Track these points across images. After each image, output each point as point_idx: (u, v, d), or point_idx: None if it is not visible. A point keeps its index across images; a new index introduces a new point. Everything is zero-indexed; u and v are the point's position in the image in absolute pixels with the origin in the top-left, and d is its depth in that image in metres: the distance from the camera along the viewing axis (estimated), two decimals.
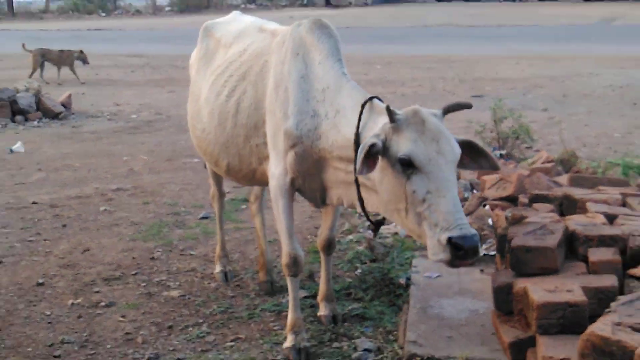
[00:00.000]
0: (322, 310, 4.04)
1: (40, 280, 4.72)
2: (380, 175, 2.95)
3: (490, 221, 4.77)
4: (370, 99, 3.23)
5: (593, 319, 2.63)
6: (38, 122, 10.99)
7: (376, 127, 3.03)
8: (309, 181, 3.54)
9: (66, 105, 11.70)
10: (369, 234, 5.21)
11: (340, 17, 29.68)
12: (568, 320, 2.74)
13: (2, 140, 9.65)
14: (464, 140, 3.04)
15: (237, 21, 4.46)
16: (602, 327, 2.47)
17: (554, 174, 5.30)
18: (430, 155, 2.79)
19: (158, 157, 8.52)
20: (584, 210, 3.70)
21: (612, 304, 2.67)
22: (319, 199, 3.61)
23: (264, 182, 3.88)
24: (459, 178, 5.95)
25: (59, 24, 35.03)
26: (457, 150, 2.88)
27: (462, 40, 22.26)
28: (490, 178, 4.95)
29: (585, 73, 14.51)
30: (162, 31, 29.68)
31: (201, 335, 3.92)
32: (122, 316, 4.20)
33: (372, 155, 2.89)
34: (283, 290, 4.30)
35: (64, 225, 5.90)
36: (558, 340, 2.72)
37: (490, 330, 3.54)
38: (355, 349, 3.68)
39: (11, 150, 8.88)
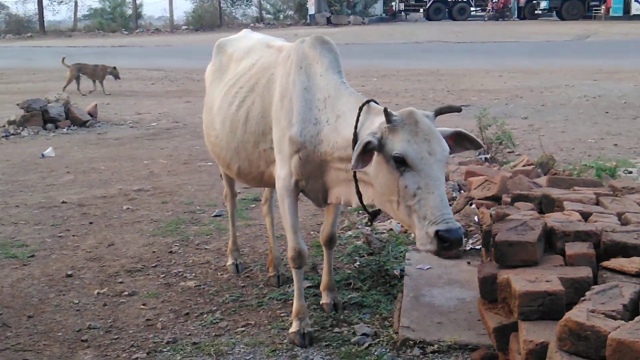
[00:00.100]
0: (324, 299, 4.04)
1: (69, 272, 4.72)
2: (376, 169, 2.96)
3: (476, 218, 4.77)
4: (368, 102, 3.24)
5: (570, 306, 2.63)
6: (67, 129, 10.99)
7: (373, 126, 3.04)
8: (311, 182, 3.54)
9: (92, 114, 11.70)
10: (367, 230, 5.22)
11: (340, 35, 29.67)
12: (547, 308, 2.73)
13: (35, 146, 9.66)
14: (454, 132, 3.09)
15: (247, 38, 4.46)
16: (578, 313, 2.47)
17: (534, 175, 5.29)
18: (422, 155, 2.80)
19: (175, 160, 8.52)
20: (561, 208, 3.69)
21: (587, 293, 2.67)
22: (321, 199, 3.61)
23: (271, 184, 3.88)
24: (447, 179, 5.95)
25: (86, 41, 35.05)
26: (447, 150, 2.91)
27: (450, 55, 22.23)
28: (476, 179, 4.94)
29: (562, 85, 14.49)
30: (179, 47, 29.68)
31: (215, 321, 3.92)
32: (143, 304, 4.20)
33: (367, 152, 2.92)
34: (289, 281, 4.30)
35: (91, 223, 5.90)
36: (538, 325, 2.71)
37: (476, 316, 3.54)
38: (354, 333, 3.68)
39: (43, 155, 8.88)
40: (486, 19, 41.78)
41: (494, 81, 15.61)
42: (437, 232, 2.73)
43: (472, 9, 42.85)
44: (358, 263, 4.69)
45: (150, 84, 17.39)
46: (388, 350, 3.47)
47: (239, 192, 5.45)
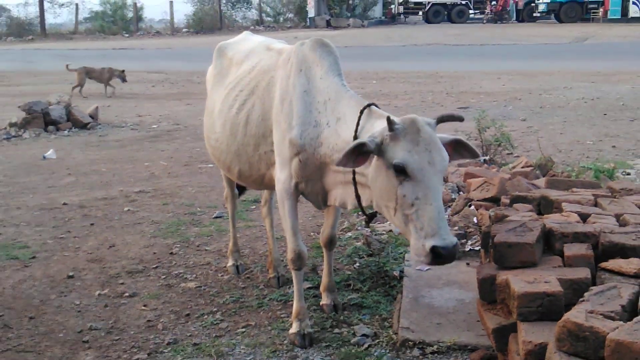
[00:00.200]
0: (324, 300, 4.04)
1: (71, 274, 4.72)
2: (375, 174, 2.95)
3: (475, 219, 4.77)
4: (369, 105, 3.23)
5: (568, 307, 2.63)
6: (68, 131, 10.99)
7: (373, 130, 3.03)
8: (311, 185, 3.54)
9: (93, 116, 11.69)
10: (367, 231, 5.21)
11: (340, 37, 29.68)
12: (546, 309, 2.74)
13: (36, 148, 9.66)
14: (453, 139, 3.06)
15: (247, 41, 4.46)
16: (576, 314, 2.47)
17: (533, 177, 5.29)
18: (422, 165, 2.78)
19: (176, 162, 8.52)
20: (559, 209, 3.69)
21: (586, 294, 2.67)
22: (321, 201, 3.60)
23: (272, 186, 3.88)
24: (446, 181, 5.95)
25: (87, 43, 35.02)
26: (446, 159, 2.89)
27: (448, 57, 22.24)
28: (475, 181, 4.94)
29: (560, 87, 14.49)
30: (180, 50, 29.68)
31: (215, 322, 3.92)
32: (144, 305, 4.20)
33: (362, 154, 2.91)
34: (289, 282, 4.30)
35: (92, 224, 5.90)
36: (537, 326, 2.71)
37: (475, 317, 3.54)
38: (354, 334, 3.68)
39: (44, 157, 8.88)
40: (485, 21, 41.78)
41: (493, 83, 15.62)
42: (433, 247, 2.71)
43: (470, 11, 42.84)
44: (358, 264, 4.69)
45: (151, 87, 17.38)
46: (388, 351, 3.47)
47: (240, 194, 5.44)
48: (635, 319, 2.37)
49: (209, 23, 42.55)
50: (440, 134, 2.97)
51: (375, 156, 2.92)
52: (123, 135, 10.82)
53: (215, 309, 4.11)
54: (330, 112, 3.39)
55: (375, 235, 5.15)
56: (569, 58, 20.53)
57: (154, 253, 5.13)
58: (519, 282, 2.86)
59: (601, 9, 36.86)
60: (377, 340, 3.59)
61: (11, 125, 10.85)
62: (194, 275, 4.68)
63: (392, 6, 46.97)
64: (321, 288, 4.09)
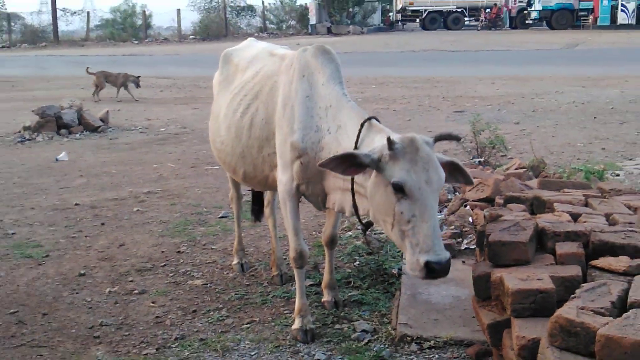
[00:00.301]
0: (326, 297, 4.04)
1: (82, 271, 4.72)
2: (374, 189, 2.93)
3: (470, 219, 4.76)
4: (369, 119, 3.22)
5: (560, 303, 2.62)
6: (80, 135, 11.00)
7: (373, 144, 3.03)
8: (312, 187, 3.53)
9: (104, 120, 11.70)
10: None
11: (340, 44, 29.66)
12: (539, 305, 2.73)
13: (49, 150, 9.66)
14: (449, 161, 3.03)
15: (251, 47, 4.46)
16: (568, 310, 2.46)
17: (526, 178, 5.28)
18: (419, 185, 2.76)
19: (183, 164, 8.52)
20: (551, 209, 3.68)
21: (577, 291, 2.66)
22: (321, 202, 3.60)
23: (275, 187, 3.86)
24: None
25: (98, 50, 35.06)
26: (443, 178, 2.86)
27: (444, 63, 22.23)
28: None
29: (552, 91, 14.48)
30: (187, 56, 29.68)
31: (221, 318, 3.92)
32: (153, 302, 4.20)
33: (354, 165, 2.90)
34: (291, 279, 4.30)
35: (103, 224, 5.90)
36: (530, 322, 2.71)
37: (471, 313, 3.53)
38: (354, 330, 3.68)
39: (57, 159, 8.89)
40: (479, 28, 41.79)
41: (487, 88, 15.60)
42: (427, 262, 2.71)
43: (466, 19, 42.87)
44: (358, 262, 4.69)
45: (159, 92, 17.39)
46: (386, 346, 3.46)
47: (244, 195, 5.44)
48: (624, 315, 2.37)
49: (215, 30, 42.61)
50: (437, 153, 2.94)
51: (375, 172, 2.90)
52: (132, 138, 10.83)
53: (220, 306, 4.10)
54: (332, 119, 3.38)
55: (375, 234, 5.14)
56: (560, 63, 20.51)
57: (162, 252, 5.12)
58: (513, 279, 2.85)
59: (591, 16, 36.86)
60: (377, 336, 3.58)
61: (25, 128, 10.86)
62: (201, 273, 4.67)
63: (391, 14, 47.07)
64: (322, 285, 4.09)
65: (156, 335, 3.75)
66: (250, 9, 46.63)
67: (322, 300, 4.05)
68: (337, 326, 3.77)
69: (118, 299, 4.27)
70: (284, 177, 3.57)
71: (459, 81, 17.05)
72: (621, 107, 12.02)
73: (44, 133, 10.76)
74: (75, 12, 45.95)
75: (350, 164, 2.91)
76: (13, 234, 5.63)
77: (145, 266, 4.82)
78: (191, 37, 42.87)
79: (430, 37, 35.55)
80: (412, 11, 43.14)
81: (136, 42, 41.35)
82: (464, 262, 4.38)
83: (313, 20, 42.93)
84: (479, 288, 3.19)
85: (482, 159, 7.17)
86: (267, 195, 4.72)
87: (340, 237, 5.13)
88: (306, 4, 45.23)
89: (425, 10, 42.22)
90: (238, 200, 4.83)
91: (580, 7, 37.34)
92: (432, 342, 3.41)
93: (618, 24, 35.76)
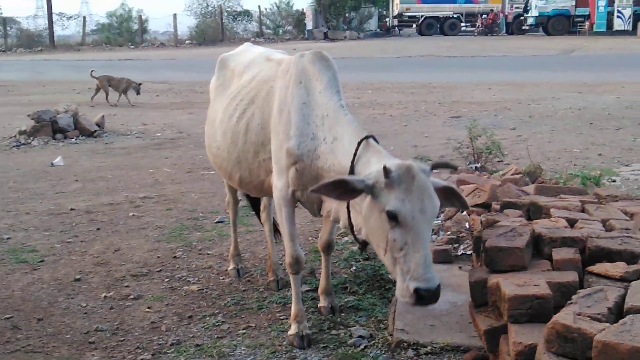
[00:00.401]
0: (322, 302, 4.03)
1: (77, 276, 4.71)
2: (368, 214, 2.92)
3: (467, 225, 4.77)
4: (367, 137, 3.19)
5: (557, 309, 2.63)
6: (75, 139, 10.98)
7: (368, 164, 3.03)
8: (307, 194, 3.52)
9: (100, 124, 11.69)
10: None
11: (337, 49, 29.70)
12: (535, 311, 2.74)
13: (44, 155, 9.65)
14: (445, 186, 3.03)
15: (247, 52, 4.46)
16: (564, 316, 2.47)
17: (522, 184, 5.30)
18: (413, 215, 2.75)
19: (179, 169, 8.51)
20: (548, 215, 3.70)
21: (574, 297, 2.67)
22: (316, 210, 3.59)
23: (271, 193, 3.85)
24: None
25: (94, 54, 35.04)
26: (437, 207, 2.85)
27: (441, 69, 22.28)
28: (467, 187, 4.94)
29: (548, 97, 14.52)
30: (183, 61, 29.68)
31: (217, 324, 3.91)
32: (148, 307, 4.19)
33: (348, 191, 2.89)
34: (288, 285, 4.28)
35: (98, 229, 5.89)
36: (527, 328, 2.71)
37: (467, 319, 3.53)
38: (350, 335, 3.67)
39: (52, 164, 8.87)
40: (476, 34, 41.92)
41: (484, 94, 15.64)
42: (416, 289, 2.71)
43: (462, 24, 43.01)
44: (354, 268, 4.69)
45: (155, 96, 17.39)
46: (383, 352, 3.46)
47: (241, 200, 5.43)
48: (621, 321, 2.38)
49: (211, 35, 42.64)
50: (433, 178, 2.93)
51: (370, 197, 2.89)
52: (128, 143, 10.82)
53: (216, 311, 4.10)
54: (327, 129, 3.37)
55: None
56: (557, 69, 20.59)
57: (158, 257, 5.12)
58: (510, 285, 2.86)
59: (587, 22, 37.03)
60: (373, 342, 3.58)
61: (21, 133, 10.85)
62: (197, 279, 4.67)
63: (387, 19, 47.22)
64: (319, 291, 4.08)
65: (152, 340, 3.73)
66: (247, 14, 46.71)
67: (319, 305, 4.05)
68: (333, 332, 3.76)
69: (113, 304, 4.25)
70: (280, 183, 3.57)
71: (456, 87, 17.09)
72: (617, 113, 12.07)
73: (39, 137, 10.75)
74: (71, 17, 45.97)
75: (344, 190, 2.89)
76: (8, 238, 5.62)
77: (141, 271, 4.81)
78: (187, 41, 42.89)
79: (427, 42, 35.65)
80: (409, 17, 43.27)
81: (132, 46, 41.34)
82: (460, 267, 4.39)
83: (309, 25, 43.04)
84: (475, 294, 3.19)
85: (478, 165, 7.19)
86: (264, 201, 4.72)
87: (337, 242, 5.13)
88: (303, 9, 45.40)
89: (422, 15, 42.35)
90: (234, 206, 4.83)
91: (577, 13, 37.52)
92: (429, 348, 3.41)
93: (614, 30, 35.95)
